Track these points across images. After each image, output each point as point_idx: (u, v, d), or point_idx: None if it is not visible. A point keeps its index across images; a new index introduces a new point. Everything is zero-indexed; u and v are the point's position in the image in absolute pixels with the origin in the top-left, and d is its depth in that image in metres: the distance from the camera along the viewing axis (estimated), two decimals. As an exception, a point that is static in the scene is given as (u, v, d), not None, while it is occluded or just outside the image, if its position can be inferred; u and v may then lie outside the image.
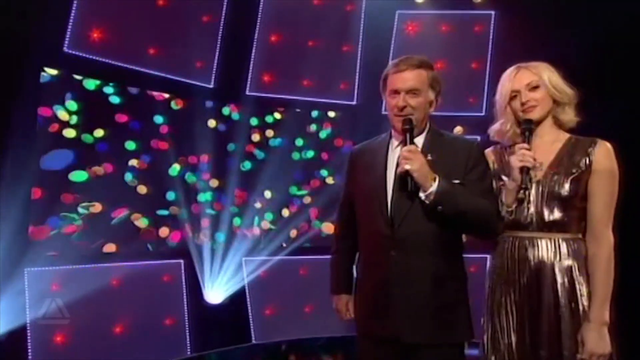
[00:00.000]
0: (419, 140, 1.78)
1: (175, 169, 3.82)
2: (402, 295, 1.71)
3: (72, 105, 3.34)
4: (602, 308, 1.66)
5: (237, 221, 4.12)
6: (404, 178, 1.68)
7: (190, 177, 3.90)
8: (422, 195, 1.66)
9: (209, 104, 4.03)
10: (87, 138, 3.40)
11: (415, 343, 1.70)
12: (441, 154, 1.74)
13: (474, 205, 1.69)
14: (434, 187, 1.64)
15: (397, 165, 1.74)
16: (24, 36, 3.00)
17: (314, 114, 4.44)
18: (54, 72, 3.27)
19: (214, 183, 4.03)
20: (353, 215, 1.91)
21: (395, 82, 1.75)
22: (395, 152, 1.80)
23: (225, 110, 4.12)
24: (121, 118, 3.57)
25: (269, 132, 4.29)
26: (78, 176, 3.36)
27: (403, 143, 1.73)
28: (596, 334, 1.64)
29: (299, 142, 4.38)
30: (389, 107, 1.79)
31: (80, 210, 3.34)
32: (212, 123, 4.04)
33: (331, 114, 4.48)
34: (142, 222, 3.64)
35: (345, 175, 2.01)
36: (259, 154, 4.22)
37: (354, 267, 1.99)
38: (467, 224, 1.74)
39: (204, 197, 3.97)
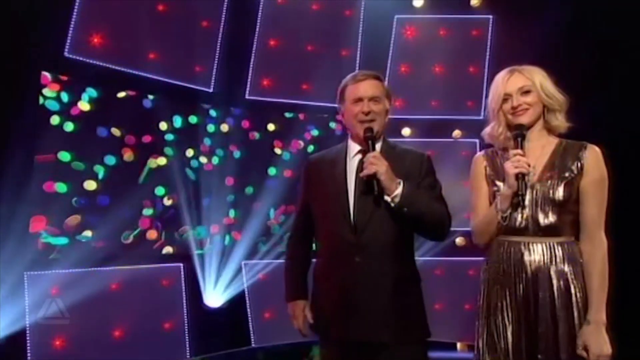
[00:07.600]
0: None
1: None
2: (367, 299, 1.76)
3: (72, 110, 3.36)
4: (600, 309, 1.67)
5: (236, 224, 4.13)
6: (369, 182, 1.74)
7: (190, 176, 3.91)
8: (387, 198, 1.73)
9: (208, 107, 4.05)
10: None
11: (382, 342, 1.74)
12: (395, 163, 1.80)
13: (432, 208, 1.80)
14: (399, 189, 1.72)
15: (359, 171, 1.80)
16: (24, 41, 3.02)
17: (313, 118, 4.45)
18: (54, 76, 3.27)
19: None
20: (309, 223, 1.96)
21: (358, 90, 1.88)
22: (354, 160, 1.87)
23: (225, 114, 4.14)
24: (121, 121, 3.58)
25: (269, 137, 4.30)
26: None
27: (364, 151, 1.81)
28: (598, 336, 1.64)
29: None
30: (351, 115, 1.89)
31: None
32: (211, 127, 4.05)
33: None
34: (143, 225, 3.65)
35: (301, 185, 2.05)
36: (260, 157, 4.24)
37: (308, 274, 2.01)
38: (424, 227, 1.83)
39: (205, 201, 3.97)
